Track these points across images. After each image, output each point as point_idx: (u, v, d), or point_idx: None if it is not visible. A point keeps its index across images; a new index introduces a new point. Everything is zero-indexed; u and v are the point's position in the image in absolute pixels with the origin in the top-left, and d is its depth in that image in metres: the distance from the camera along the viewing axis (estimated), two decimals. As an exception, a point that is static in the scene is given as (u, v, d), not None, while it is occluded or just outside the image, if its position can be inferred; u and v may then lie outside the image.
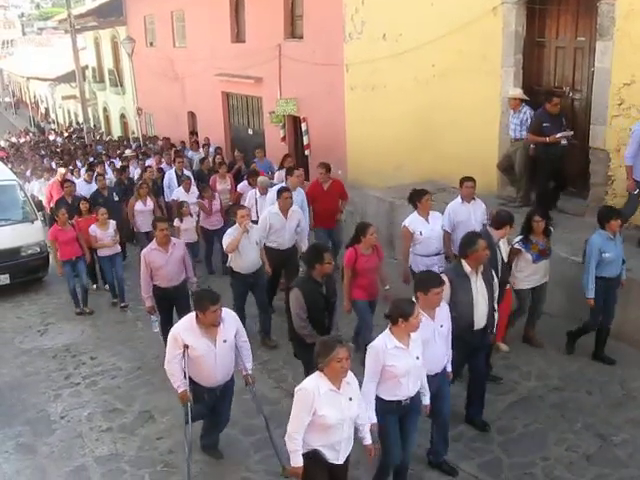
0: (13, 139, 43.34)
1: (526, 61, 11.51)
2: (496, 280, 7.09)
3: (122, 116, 34.50)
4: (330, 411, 5.07)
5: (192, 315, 6.47)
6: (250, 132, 21.23)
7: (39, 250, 13.59)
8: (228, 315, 6.57)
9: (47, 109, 57.00)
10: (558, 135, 10.23)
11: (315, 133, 17.30)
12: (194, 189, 13.98)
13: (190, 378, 6.57)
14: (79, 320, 11.32)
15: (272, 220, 10.06)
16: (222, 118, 22.69)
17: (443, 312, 6.20)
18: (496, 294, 7.05)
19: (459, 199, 9.58)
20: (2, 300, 12.92)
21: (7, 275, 13.07)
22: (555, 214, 10.22)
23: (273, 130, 19.09)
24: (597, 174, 10.41)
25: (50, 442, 7.85)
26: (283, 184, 11.73)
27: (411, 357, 5.65)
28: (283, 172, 13.42)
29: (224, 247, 9.47)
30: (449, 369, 6.43)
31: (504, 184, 11.98)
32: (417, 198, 9.17)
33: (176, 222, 12.37)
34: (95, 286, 13.10)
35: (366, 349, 5.76)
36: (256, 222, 10.90)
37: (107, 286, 12.68)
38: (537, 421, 7.39)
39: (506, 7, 11.33)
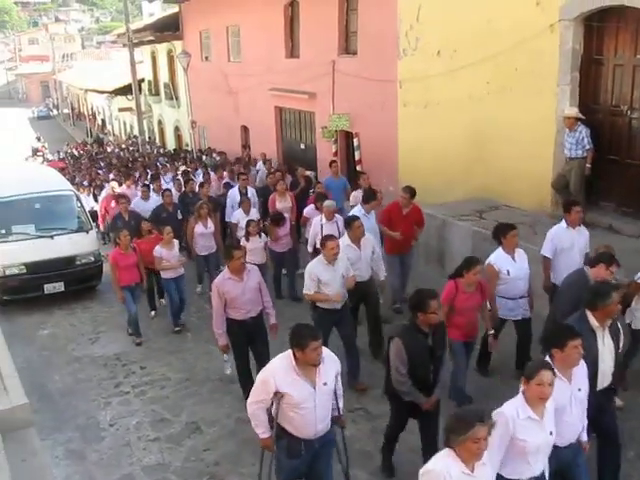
0: (72, 150, 44.35)
1: (583, 79, 11.38)
2: (622, 332, 6.21)
3: (176, 129, 35.02)
4: None
5: (287, 354, 5.58)
6: (302, 147, 21.35)
7: (93, 259, 13.81)
8: (328, 354, 5.70)
9: (104, 121, 58.23)
10: None
11: (367, 149, 17.31)
12: (254, 211, 13.35)
13: (283, 429, 5.70)
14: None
15: (348, 253, 9.06)
16: (275, 132, 22.88)
17: (581, 372, 5.40)
18: (621, 346, 6.21)
19: (564, 224, 8.72)
20: (56, 307, 13.16)
21: (62, 283, 13.29)
22: (610, 235, 10.04)
23: (325, 145, 19.17)
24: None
25: (99, 449, 7.96)
26: (357, 210, 10.97)
27: (544, 431, 4.92)
28: (359, 193, 12.67)
29: (305, 288, 8.54)
30: (584, 439, 5.57)
31: (557, 203, 11.79)
32: (502, 233, 8.34)
33: (242, 242, 11.56)
34: (154, 312, 12.37)
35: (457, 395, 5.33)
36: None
37: (152, 312, 12.24)
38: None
39: (563, 24, 11.21)
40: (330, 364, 5.67)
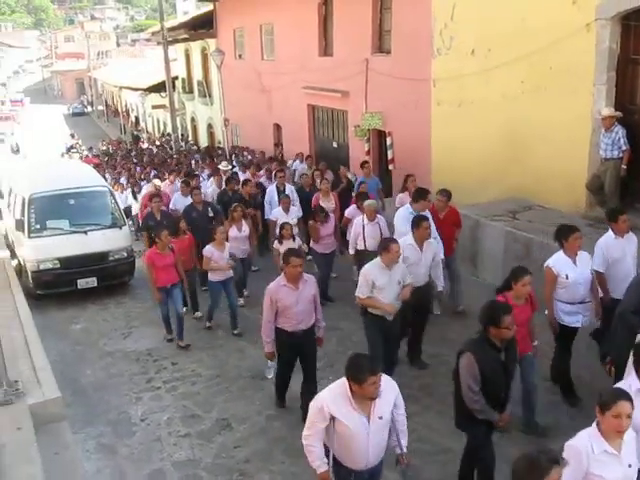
0: (106, 147, 44.79)
1: (619, 79, 11.22)
2: None
3: (209, 126, 35.19)
4: None
5: (342, 383, 5.20)
6: (335, 145, 21.33)
7: (126, 255, 13.95)
8: (386, 383, 5.23)
9: (137, 118, 58.72)
10: None
11: (400, 147, 17.24)
12: (294, 209, 13.21)
13: (334, 458, 5.43)
14: (162, 325, 11.51)
15: (406, 253, 8.69)
16: (307, 131, 22.89)
17: None
18: None
19: (611, 233, 8.25)
20: (89, 302, 13.31)
21: (95, 278, 13.44)
22: None
23: (357, 144, 19.13)
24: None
25: (130, 444, 8.02)
26: (405, 209, 10.41)
27: (622, 465, 4.58)
28: (405, 196, 12.43)
29: (358, 291, 8.16)
30: None
31: (592, 204, 11.67)
32: (564, 236, 7.86)
33: (275, 244, 11.35)
34: (199, 313, 12.07)
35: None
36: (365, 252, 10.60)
37: (208, 322, 11.58)
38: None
39: (600, 23, 11.07)
40: (388, 395, 5.28)
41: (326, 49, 20.82)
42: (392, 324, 8.31)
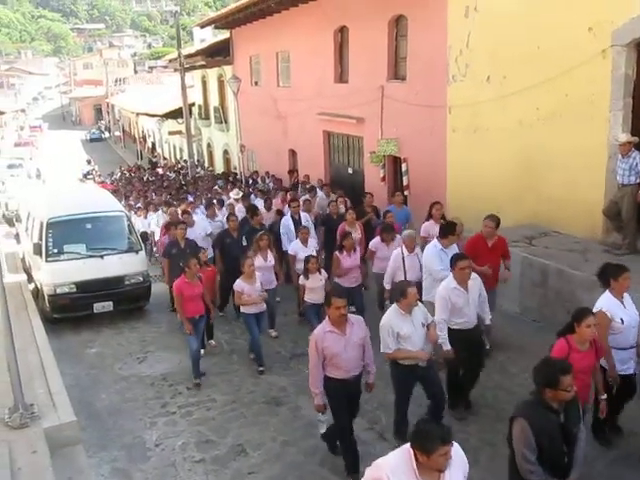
0: (125, 173, 45.11)
1: (636, 105, 11.22)
2: None
3: (225, 152, 35.40)
4: None
5: (405, 451, 4.60)
6: (350, 171, 21.38)
7: (142, 279, 13.99)
8: (456, 455, 4.60)
9: (153, 144, 59.15)
10: None
11: (415, 174, 17.27)
12: (312, 241, 12.64)
13: None
14: (176, 350, 11.50)
15: (453, 298, 8.12)
16: (323, 156, 22.96)
17: None
18: None
19: None
20: (104, 327, 13.34)
21: (111, 302, 13.49)
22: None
23: (373, 170, 19.17)
24: None
25: (144, 469, 7.98)
26: (434, 245, 9.90)
27: None
28: (431, 225, 11.96)
29: (383, 347, 7.47)
30: None
31: (609, 230, 11.63)
32: (613, 275, 7.22)
33: (301, 280, 10.93)
34: (212, 342, 11.83)
35: None
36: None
37: (252, 354, 11.04)
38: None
39: (616, 50, 11.10)
40: (458, 468, 4.67)
41: (342, 76, 20.94)
42: (427, 370, 7.64)
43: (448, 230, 9.88)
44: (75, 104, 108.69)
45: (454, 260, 8.26)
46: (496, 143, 14.09)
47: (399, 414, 7.81)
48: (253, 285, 10.51)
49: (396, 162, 18.36)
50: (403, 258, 10.61)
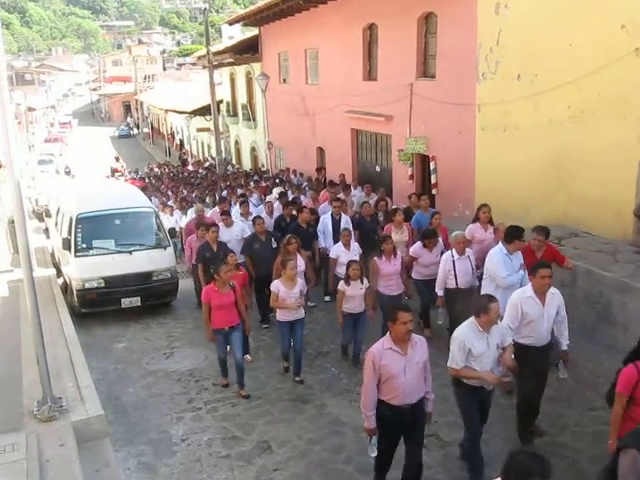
0: (154, 169, 45.41)
1: (669, 104, 11.07)
2: None
3: (253, 149, 35.49)
4: None
5: None
6: (378, 169, 21.32)
7: (170, 275, 14.05)
8: None
9: (182, 140, 59.47)
10: None
11: (443, 172, 17.18)
12: (356, 245, 11.84)
13: None
14: (203, 346, 11.51)
15: (526, 307, 7.44)
16: (350, 154, 22.93)
17: None
18: None
19: None
20: (132, 321, 13.43)
21: (138, 298, 13.58)
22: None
23: (401, 168, 19.10)
24: None
25: (170, 464, 8.00)
26: (500, 249, 9.23)
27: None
28: (478, 228, 11.41)
29: (451, 361, 6.79)
30: None
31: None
32: None
33: (341, 285, 10.01)
34: (248, 357, 10.85)
35: None
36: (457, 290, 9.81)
37: (284, 362, 10.46)
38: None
39: (650, 48, 10.96)
40: None
41: (370, 73, 20.89)
42: (488, 395, 7.12)
43: (514, 234, 9.18)
44: (104, 101, 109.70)
45: (535, 268, 7.55)
46: (526, 142, 13.96)
47: (471, 435, 7.07)
48: (291, 290, 9.73)
49: (424, 160, 18.27)
50: (453, 261, 10.09)
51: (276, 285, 9.80)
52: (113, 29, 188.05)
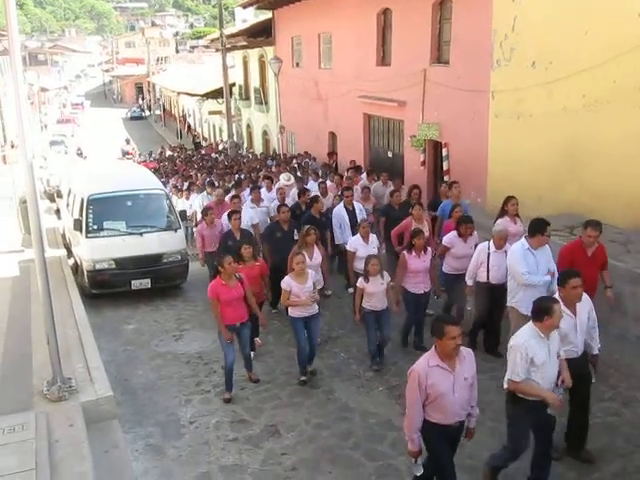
0: (167, 152, 45.26)
1: (686, 94, 10.96)
2: None
3: (264, 133, 35.43)
4: None
5: None
6: (390, 155, 21.25)
7: (180, 258, 14.07)
8: None
9: (189, 125, 59.45)
10: None
11: (455, 159, 17.10)
12: (374, 238, 11.17)
13: None
14: (212, 329, 11.43)
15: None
16: (362, 139, 22.86)
17: None
18: None
19: None
20: (142, 303, 13.47)
21: (149, 280, 13.61)
22: None
23: (413, 154, 19.03)
24: None
25: (178, 446, 8.04)
26: (522, 244, 8.63)
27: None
28: (507, 222, 10.64)
29: (511, 374, 6.16)
30: None
31: (654, 222, 11.41)
32: None
33: (360, 282, 9.49)
34: (258, 340, 10.69)
35: None
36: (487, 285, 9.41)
37: (301, 375, 9.62)
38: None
39: (667, 37, 10.84)
40: None
41: (384, 59, 20.77)
42: (549, 417, 6.35)
43: (537, 228, 8.57)
44: (117, 82, 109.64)
45: (564, 277, 6.85)
46: (540, 130, 13.85)
47: (511, 454, 6.49)
48: (303, 284, 9.24)
49: (437, 147, 18.19)
50: (489, 254, 9.53)
51: (287, 282, 9.24)
52: (126, 11, 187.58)
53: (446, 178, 17.23)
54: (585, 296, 6.94)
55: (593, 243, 8.80)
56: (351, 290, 11.90)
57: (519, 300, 8.54)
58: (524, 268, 8.43)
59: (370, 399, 8.99)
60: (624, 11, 11.44)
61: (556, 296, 6.72)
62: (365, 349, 10.08)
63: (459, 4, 16.38)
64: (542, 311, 6.09)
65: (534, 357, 6.03)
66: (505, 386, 6.22)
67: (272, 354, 10.64)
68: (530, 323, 6.20)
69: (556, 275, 8.15)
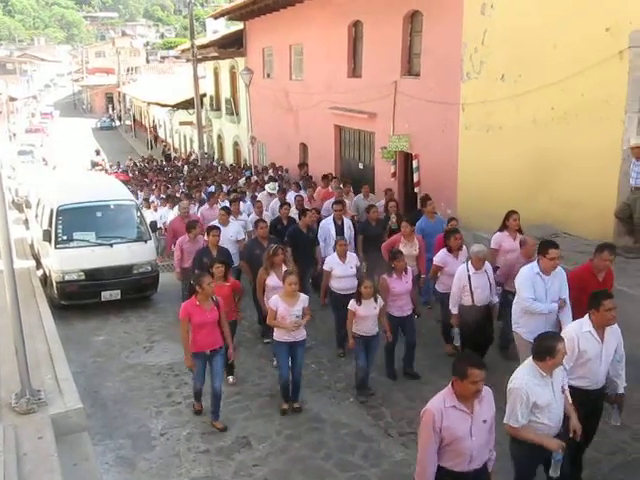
0: (138, 163, 44.89)
1: (652, 107, 11.16)
2: None
3: (235, 144, 35.40)
4: None
5: None
6: (360, 166, 21.34)
7: (150, 269, 13.95)
8: None
9: (156, 136, 59.18)
10: None
11: (426, 171, 17.21)
12: (352, 256, 10.68)
13: None
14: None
15: (584, 344, 6.42)
16: (333, 151, 22.94)
17: None
18: None
19: None
20: (112, 315, 13.32)
21: (118, 291, 13.48)
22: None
23: (384, 165, 19.13)
24: None
25: (149, 458, 7.98)
26: (531, 268, 8.13)
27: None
28: (506, 237, 10.62)
29: (510, 418, 5.72)
30: None
31: (621, 233, 11.56)
32: None
33: (351, 305, 8.90)
34: (231, 378, 9.93)
35: None
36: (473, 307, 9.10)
37: (283, 403, 9.03)
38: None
39: (633, 51, 11.03)
40: None
41: (355, 70, 20.90)
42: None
43: (539, 250, 8.23)
44: (87, 92, 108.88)
45: (597, 299, 6.41)
46: (509, 142, 14.02)
47: None
48: (292, 307, 8.58)
49: (407, 158, 18.30)
50: (469, 276, 9.26)
51: (275, 301, 8.61)
52: (97, 20, 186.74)
53: (417, 190, 17.35)
54: (615, 326, 6.54)
55: (606, 267, 8.28)
56: (266, 340, 10.95)
57: (522, 326, 8.15)
58: (530, 294, 7.97)
59: (341, 410, 8.99)
60: (592, 25, 11.66)
61: (572, 324, 6.58)
62: (336, 360, 10.09)
63: (430, 17, 16.54)
64: (544, 351, 5.65)
65: (537, 400, 5.62)
66: (505, 421, 5.76)
67: (243, 365, 10.57)
68: (530, 359, 5.79)
69: (568, 304, 7.96)
